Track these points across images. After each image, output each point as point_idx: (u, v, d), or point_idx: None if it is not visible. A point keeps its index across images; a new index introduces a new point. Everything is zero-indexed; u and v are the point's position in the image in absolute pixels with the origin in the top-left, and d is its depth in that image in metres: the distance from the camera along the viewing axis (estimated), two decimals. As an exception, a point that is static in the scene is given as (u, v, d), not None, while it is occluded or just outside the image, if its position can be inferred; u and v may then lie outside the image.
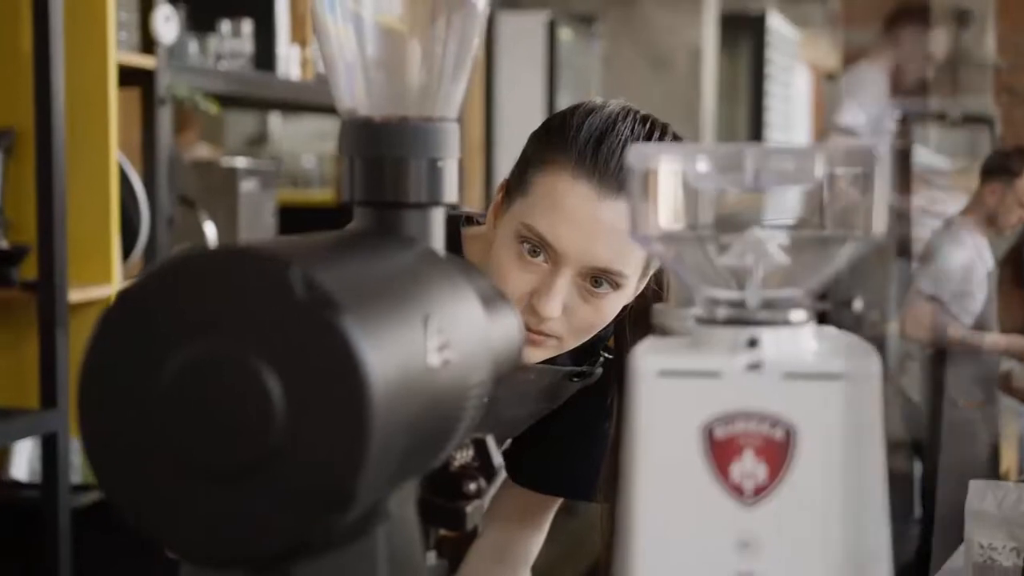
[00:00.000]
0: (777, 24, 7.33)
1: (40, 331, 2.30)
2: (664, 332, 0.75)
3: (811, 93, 9.27)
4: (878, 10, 9.82)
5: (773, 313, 0.69)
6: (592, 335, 1.28)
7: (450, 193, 0.80)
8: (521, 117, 4.80)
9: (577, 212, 1.20)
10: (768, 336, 0.68)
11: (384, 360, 0.61)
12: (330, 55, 0.80)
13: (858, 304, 4.30)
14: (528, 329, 1.23)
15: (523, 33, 4.81)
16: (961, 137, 8.43)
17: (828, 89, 9.76)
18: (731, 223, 0.72)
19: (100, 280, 2.43)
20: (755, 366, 0.66)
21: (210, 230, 2.80)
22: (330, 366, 0.59)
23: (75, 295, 2.36)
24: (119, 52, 2.48)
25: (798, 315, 0.69)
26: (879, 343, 4.24)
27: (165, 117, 2.62)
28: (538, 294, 1.22)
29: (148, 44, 2.60)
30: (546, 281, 1.22)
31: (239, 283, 0.61)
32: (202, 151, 3.85)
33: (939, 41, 4.30)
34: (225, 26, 2.93)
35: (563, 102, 5.97)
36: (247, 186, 2.92)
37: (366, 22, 0.80)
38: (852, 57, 9.76)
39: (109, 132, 2.42)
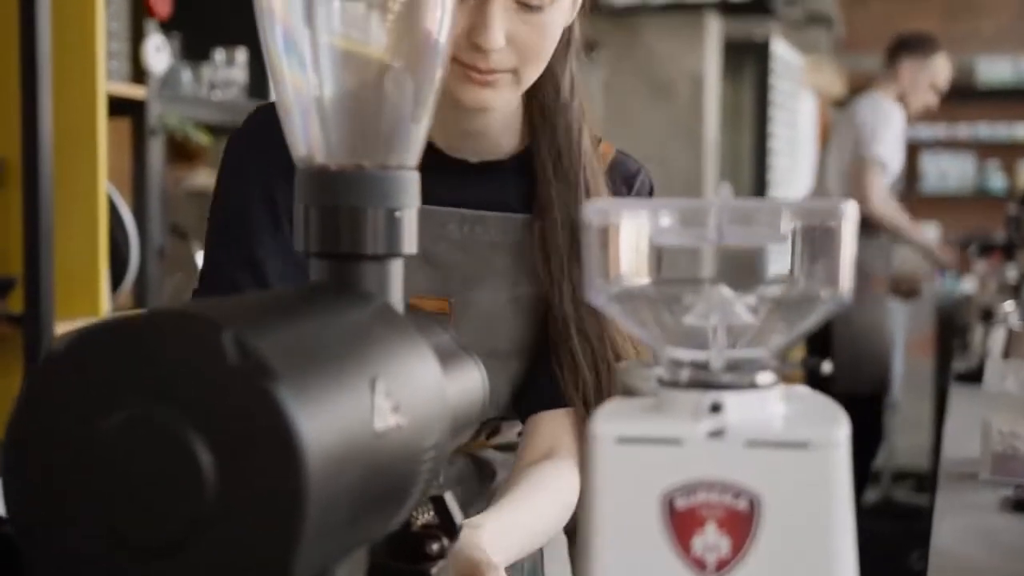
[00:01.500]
0: (781, 50, 7.32)
1: (25, 365, 2.27)
2: (628, 392, 0.72)
3: (816, 118, 9.25)
4: (882, 35, 9.81)
5: (738, 375, 0.66)
6: (545, 60, 1.23)
7: (409, 244, 0.78)
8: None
9: None
10: (732, 400, 0.64)
11: (323, 427, 0.58)
12: (285, 100, 0.78)
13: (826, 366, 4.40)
14: (478, 71, 1.19)
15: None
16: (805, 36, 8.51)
17: (833, 114, 9.75)
18: (694, 280, 0.69)
19: (88, 313, 2.41)
20: (717, 433, 0.63)
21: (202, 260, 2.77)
22: (263, 435, 0.56)
23: (62, 328, 2.33)
24: (109, 82, 2.46)
25: (764, 377, 0.66)
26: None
27: (156, 147, 2.59)
28: (475, 31, 1.18)
29: (139, 74, 2.58)
30: (478, 15, 1.18)
31: (171, 347, 0.58)
32: (203, 177, 3.83)
33: (942, 70, 4.31)
34: (219, 55, 2.91)
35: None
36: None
37: (322, 67, 0.77)
38: (857, 82, 9.76)
39: (98, 163, 2.40)
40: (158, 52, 2.56)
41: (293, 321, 0.65)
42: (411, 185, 0.78)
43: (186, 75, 2.83)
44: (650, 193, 1.38)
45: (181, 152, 3.37)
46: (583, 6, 1.29)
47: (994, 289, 4.09)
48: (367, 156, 0.77)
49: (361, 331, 0.69)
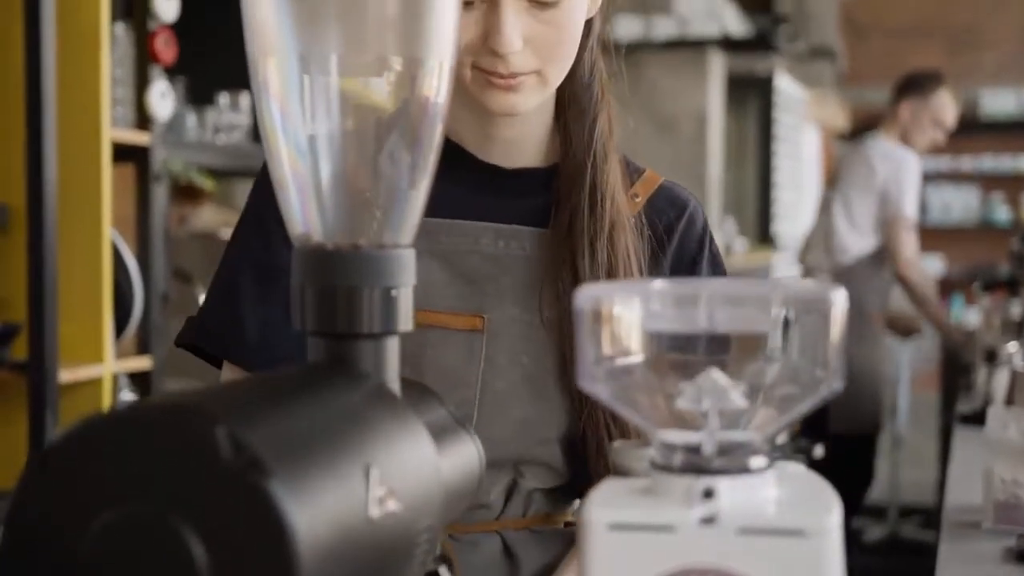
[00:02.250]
0: (785, 84, 7.34)
1: (30, 413, 2.27)
2: (621, 472, 0.72)
3: (820, 152, 9.27)
4: (885, 69, 9.85)
5: (731, 460, 0.66)
6: (570, 59, 1.17)
7: (405, 322, 0.78)
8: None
9: None
10: (725, 485, 0.65)
11: (317, 521, 0.58)
12: (282, 177, 0.78)
13: (818, 450, 4.46)
14: (500, 76, 1.14)
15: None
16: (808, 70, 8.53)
17: (838, 148, 9.77)
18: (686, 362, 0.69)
19: (92, 360, 2.41)
20: (710, 520, 0.63)
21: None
22: (257, 532, 0.57)
23: (66, 375, 2.33)
24: (114, 129, 2.47)
25: (757, 462, 0.66)
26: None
27: (160, 193, 2.61)
28: (490, 35, 1.12)
29: (144, 120, 2.59)
30: (490, 18, 1.12)
31: (164, 442, 0.58)
32: (210, 215, 3.84)
33: (944, 106, 4.33)
34: (223, 98, 2.93)
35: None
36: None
37: (319, 145, 0.78)
38: (861, 116, 9.79)
39: (102, 210, 2.41)
40: (163, 98, 2.57)
41: (287, 409, 0.65)
42: (407, 263, 0.78)
43: (190, 119, 2.85)
44: (704, 228, 1.29)
45: (186, 191, 3.39)
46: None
47: (998, 326, 4.09)
48: (363, 235, 0.78)
49: (355, 416, 0.69)
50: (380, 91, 0.77)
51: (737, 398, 0.67)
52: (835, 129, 9.43)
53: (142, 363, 2.63)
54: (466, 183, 1.25)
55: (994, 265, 9.38)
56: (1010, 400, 2.72)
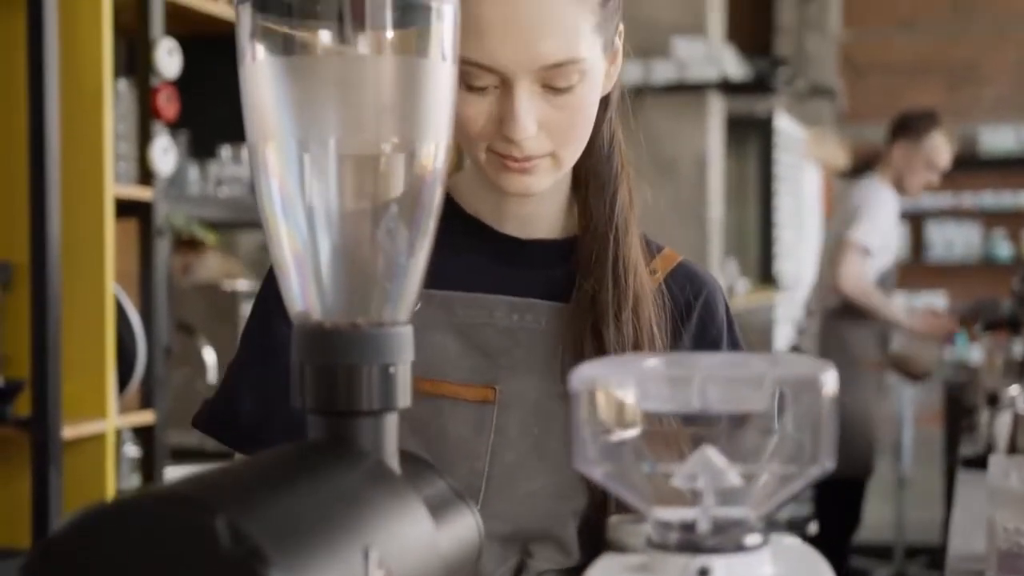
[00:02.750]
0: (784, 124, 7.37)
1: (33, 469, 2.28)
2: (617, 547, 0.73)
3: (821, 190, 9.30)
4: (884, 107, 9.90)
5: (726, 538, 0.67)
6: (584, 140, 1.16)
7: (403, 398, 0.79)
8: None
9: (496, 20, 1.08)
10: (720, 564, 0.65)
11: (316, 608, 0.59)
12: (281, 257, 0.79)
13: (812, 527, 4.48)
14: (514, 159, 1.13)
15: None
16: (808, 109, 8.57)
17: (838, 186, 9.81)
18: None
19: (95, 415, 2.42)
20: (705, 600, 0.64)
21: (210, 357, 2.79)
22: (257, 620, 0.57)
23: (69, 431, 2.34)
24: (117, 185, 2.49)
25: (753, 539, 0.67)
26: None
27: (162, 248, 2.62)
28: (504, 121, 1.11)
29: (146, 175, 2.61)
30: (504, 104, 1.11)
31: (164, 532, 0.59)
32: (214, 263, 3.86)
33: (937, 148, 4.35)
34: (225, 152, 2.95)
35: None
36: (248, 310, 2.91)
37: (318, 226, 0.79)
38: (861, 154, 9.83)
39: (105, 266, 2.42)
40: (165, 154, 2.60)
41: (286, 493, 0.66)
42: (405, 341, 0.79)
43: (193, 172, 2.87)
44: (725, 311, 1.28)
45: (190, 241, 3.41)
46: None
47: (1000, 366, 4.09)
48: (362, 313, 0.79)
49: (354, 497, 0.70)
50: (378, 172, 0.78)
51: (732, 476, 0.68)
52: (835, 167, 9.47)
53: (145, 417, 2.64)
54: (483, 254, 1.25)
55: (997, 302, 9.40)
56: (1013, 444, 2.73)
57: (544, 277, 1.25)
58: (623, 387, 0.68)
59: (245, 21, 0.76)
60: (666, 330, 1.22)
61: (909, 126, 4.40)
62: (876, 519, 6.38)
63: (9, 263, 2.38)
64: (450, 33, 0.78)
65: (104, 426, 2.45)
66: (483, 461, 1.18)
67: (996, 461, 1.91)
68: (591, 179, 1.24)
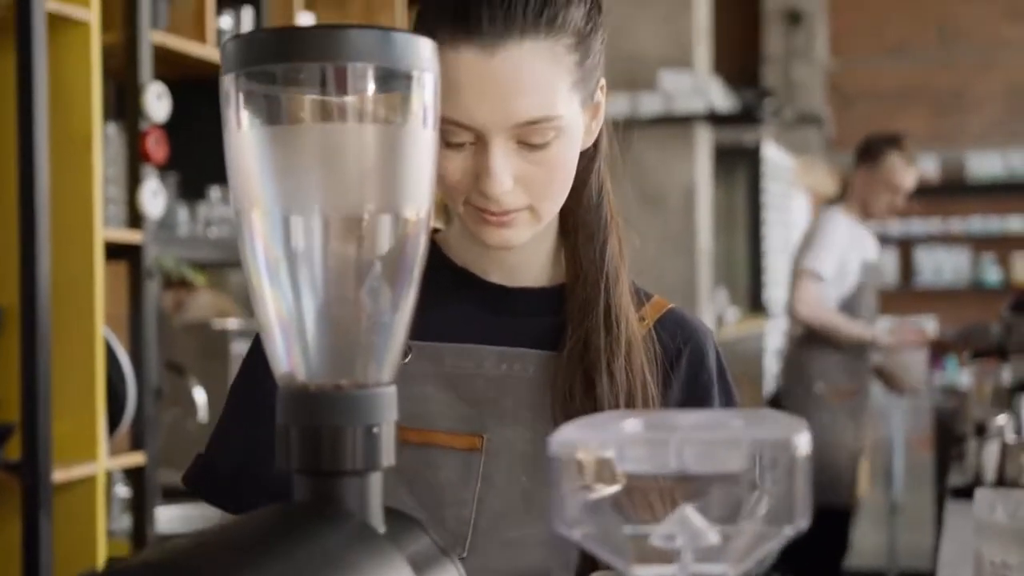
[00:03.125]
0: (772, 153, 7.41)
1: (23, 513, 2.28)
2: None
3: (810, 217, 9.34)
4: (874, 132, 9.93)
5: (704, 597, 0.68)
6: (563, 193, 1.17)
7: (387, 457, 0.80)
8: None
9: (472, 79, 1.10)
10: (699, 622, 0.67)
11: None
12: (266, 320, 0.81)
13: None
14: (492, 213, 1.15)
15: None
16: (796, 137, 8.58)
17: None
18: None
19: (85, 458, 2.43)
20: (684, 659, 0.65)
21: (200, 396, 2.80)
22: None
23: (59, 475, 2.35)
24: (107, 228, 2.51)
25: (731, 598, 0.68)
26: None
27: (152, 290, 2.63)
28: (480, 177, 1.13)
29: (136, 218, 2.62)
30: (480, 160, 1.12)
31: (152, 603, 0.60)
32: (207, 299, 3.86)
33: (894, 169, 4.32)
34: (214, 192, 2.97)
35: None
36: (239, 348, 2.93)
37: (302, 290, 0.80)
38: (848, 180, 9.86)
39: (95, 308, 2.43)
40: (154, 197, 2.61)
41: (270, 558, 0.67)
42: (389, 401, 0.80)
43: (182, 213, 2.88)
44: (715, 358, 1.28)
45: (181, 279, 3.42)
46: (607, 122, 1.24)
47: (989, 393, 4.10)
48: (346, 374, 0.80)
49: (339, 559, 0.71)
50: (361, 236, 0.80)
51: (711, 535, 0.69)
52: (824, 194, 9.51)
53: (136, 459, 2.65)
54: (471, 304, 1.26)
55: (986, 327, 9.43)
56: (1001, 474, 2.73)
57: (532, 325, 1.25)
58: (603, 450, 0.69)
59: (230, 90, 0.78)
60: (657, 378, 1.23)
61: (868, 150, 4.41)
62: (868, 545, 6.39)
63: (0, 307, 2.39)
64: (431, 101, 0.80)
65: (95, 468, 2.45)
66: (470, 508, 1.19)
67: (982, 495, 1.92)
68: (580, 229, 1.24)
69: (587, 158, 1.22)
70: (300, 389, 0.79)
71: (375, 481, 0.79)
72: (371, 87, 0.77)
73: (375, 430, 0.79)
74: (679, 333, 1.28)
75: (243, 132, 0.78)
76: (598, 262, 1.24)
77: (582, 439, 0.70)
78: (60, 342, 2.39)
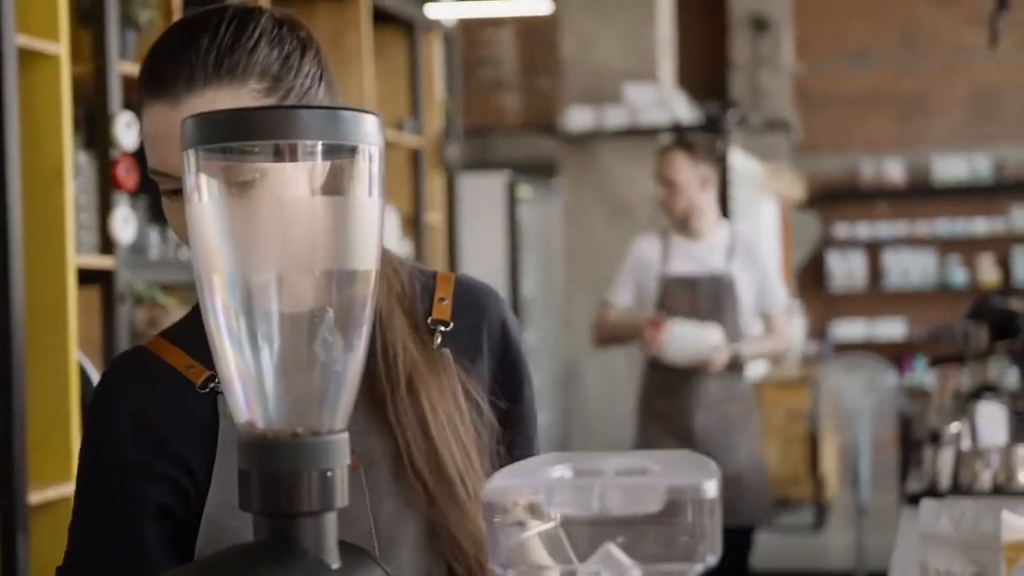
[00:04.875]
0: (740, 161, 7.50)
1: (1, 535, 2.33)
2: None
3: (779, 223, 9.44)
4: (840, 138, 10.05)
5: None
6: None
7: (341, 498, 0.87)
8: (485, 275, 4.90)
9: (161, 130, 1.16)
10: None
11: None
12: (227, 374, 0.88)
13: None
14: None
15: (485, 192, 4.94)
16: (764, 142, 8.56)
17: (796, 218, 9.95)
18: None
19: (60, 479, 2.48)
20: None
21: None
22: None
23: (35, 496, 2.40)
24: (79, 254, 2.56)
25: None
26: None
27: (124, 314, 2.69)
28: None
29: (107, 244, 2.68)
30: None
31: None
32: (178, 316, 3.91)
33: (680, 167, 4.02)
34: (185, 215, 3.03)
35: (526, 256, 6.10)
36: (210, 366, 2.98)
37: (260, 346, 0.87)
38: (816, 185, 9.97)
39: (69, 333, 2.49)
40: (125, 223, 2.67)
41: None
42: (342, 447, 0.87)
43: (153, 236, 2.94)
44: (515, 325, 1.33)
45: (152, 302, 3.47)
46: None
47: (949, 398, 4.16)
48: (301, 422, 0.87)
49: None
50: (314, 296, 0.87)
51: (633, 571, 0.76)
52: (792, 199, 9.61)
53: (111, 478, 2.70)
54: None
55: (953, 328, 9.57)
56: (955, 481, 2.81)
57: None
58: (532, 495, 0.76)
59: (190, 164, 0.85)
60: (466, 380, 1.27)
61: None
62: (837, 546, 6.49)
63: (-26, 333, 2.44)
64: (377, 171, 0.86)
65: (70, 490, 2.50)
66: (368, 521, 1.23)
67: (928, 505, 1.99)
68: None
69: None
70: (259, 436, 0.86)
71: (330, 520, 0.86)
72: (320, 161, 0.85)
73: (329, 474, 0.86)
74: (476, 300, 1.32)
75: (203, 203, 0.85)
76: None
77: (513, 486, 0.77)
78: (34, 366, 2.45)
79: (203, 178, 0.86)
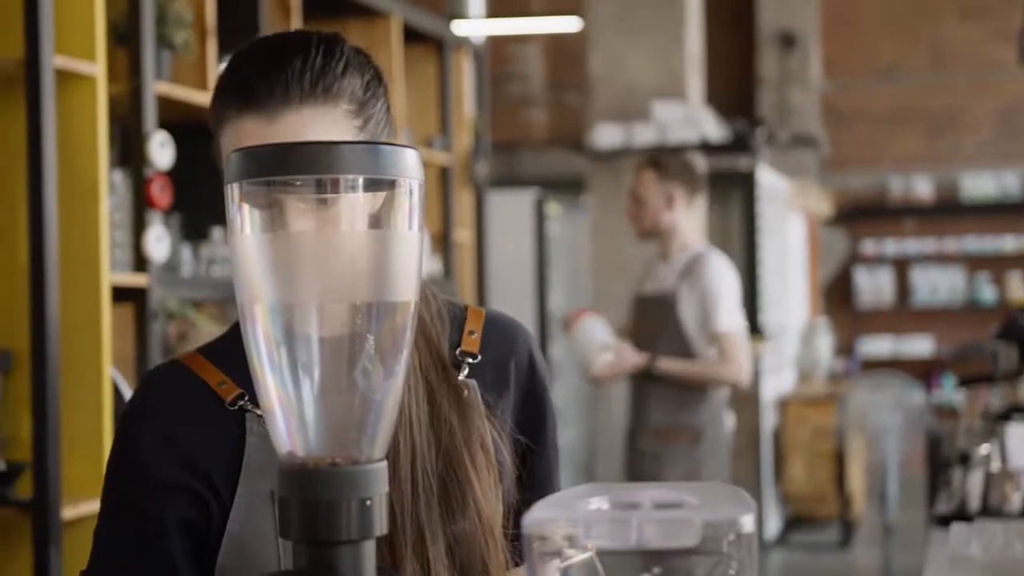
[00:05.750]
0: (767, 178, 7.49)
1: (34, 550, 2.36)
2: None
3: (806, 239, 9.42)
4: (868, 154, 10.03)
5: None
6: None
7: (380, 527, 0.88)
8: (513, 291, 4.93)
9: (255, 144, 1.15)
10: None
11: None
12: (269, 404, 0.89)
13: None
14: None
15: (513, 209, 4.95)
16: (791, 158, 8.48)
17: (824, 235, 9.93)
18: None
19: (93, 495, 2.50)
20: None
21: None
22: None
23: (69, 512, 2.43)
24: (113, 273, 2.59)
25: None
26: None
27: (157, 331, 2.72)
28: None
29: (141, 262, 2.71)
30: None
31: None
32: (209, 331, 3.93)
33: (645, 182, 4.01)
34: (217, 233, 3.06)
35: (554, 272, 6.12)
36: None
37: (301, 378, 0.88)
38: (844, 201, 9.94)
39: (103, 350, 2.52)
40: (159, 242, 2.70)
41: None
42: (380, 475, 0.89)
43: (186, 254, 2.97)
44: (541, 361, 1.35)
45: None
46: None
47: (978, 418, 4.14)
48: (341, 452, 0.89)
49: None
50: (354, 328, 0.88)
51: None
52: (819, 215, 9.60)
53: (142, 494, 2.73)
54: None
55: (981, 346, 9.53)
56: (985, 503, 2.80)
57: None
58: (570, 527, 0.77)
59: (234, 197, 0.87)
60: (496, 404, 1.28)
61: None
62: (863, 564, 6.47)
63: (10, 351, 2.47)
64: (417, 204, 0.88)
65: (102, 505, 2.53)
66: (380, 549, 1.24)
67: (958, 529, 1.99)
68: None
69: None
70: (299, 466, 0.88)
71: (369, 548, 0.88)
72: (361, 194, 0.86)
73: (368, 502, 0.87)
74: (506, 334, 1.34)
75: (246, 235, 0.87)
76: None
77: (552, 518, 0.78)
78: (69, 383, 2.48)
79: (246, 209, 0.88)
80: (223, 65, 3.16)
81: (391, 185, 0.87)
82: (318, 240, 0.88)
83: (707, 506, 0.79)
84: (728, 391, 4.14)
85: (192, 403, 1.26)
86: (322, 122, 1.18)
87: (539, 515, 0.78)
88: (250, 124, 1.18)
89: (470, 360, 1.30)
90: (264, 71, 1.18)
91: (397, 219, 0.87)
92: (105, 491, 1.27)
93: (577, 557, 0.79)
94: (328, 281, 0.87)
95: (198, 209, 3.01)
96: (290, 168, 0.85)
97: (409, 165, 0.87)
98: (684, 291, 3.92)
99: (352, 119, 1.21)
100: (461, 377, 1.28)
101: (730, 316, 3.93)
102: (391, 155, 0.87)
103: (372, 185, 0.86)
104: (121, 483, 1.26)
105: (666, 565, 0.78)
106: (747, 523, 0.76)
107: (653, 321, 3.98)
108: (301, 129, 1.18)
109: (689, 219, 4.06)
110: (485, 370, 1.31)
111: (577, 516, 0.78)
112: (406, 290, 0.88)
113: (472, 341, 1.31)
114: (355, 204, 0.85)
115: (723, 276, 3.95)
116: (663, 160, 4.07)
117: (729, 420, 4.17)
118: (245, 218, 0.87)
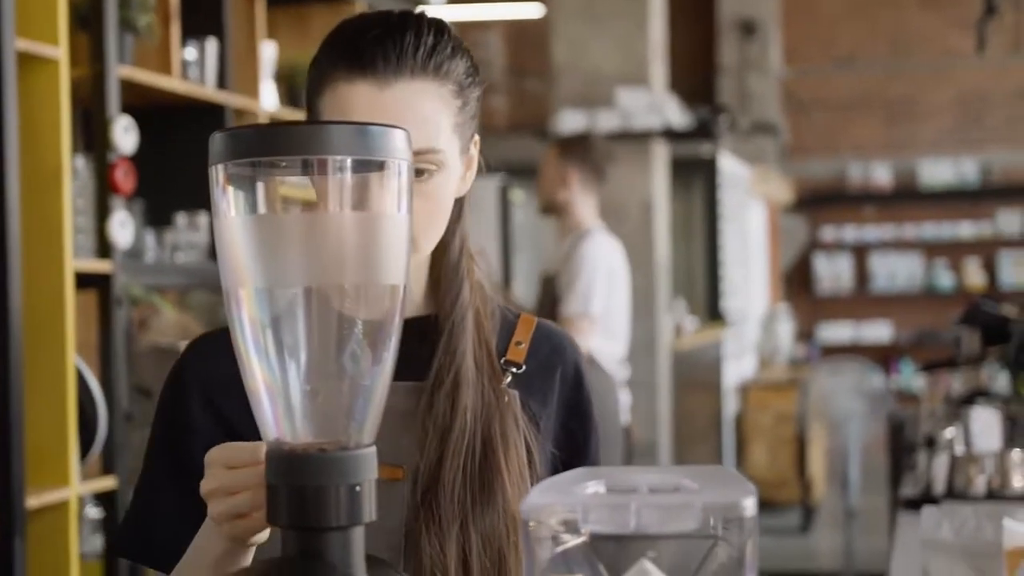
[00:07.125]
0: (728, 165, 7.51)
1: (-2, 541, 2.33)
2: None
3: (767, 226, 9.47)
4: (828, 142, 10.08)
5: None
6: (441, 228, 1.24)
7: (369, 512, 0.87)
8: (477, 277, 4.91)
9: (365, 109, 1.18)
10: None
11: None
12: (255, 389, 0.88)
13: None
14: None
15: (477, 196, 4.90)
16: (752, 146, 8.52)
17: (784, 221, 9.97)
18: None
19: (58, 484, 2.48)
20: None
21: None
22: None
23: (33, 500, 2.39)
24: (77, 259, 2.55)
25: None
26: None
27: (121, 318, 2.69)
28: None
29: (104, 248, 2.67)
30: None
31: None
32: (170, 316, 3.89)
33: (547, 160, 4.09)
34: (181, 219, 3.02)
35: (518, 260, 6.11)
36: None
37: (287, 362, 0.87)
38: (804, 188, 9.99)
39: (66, 337, 2.48)
40: (122, 227, 2.66)
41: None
42: (369, 461, 0.87)
43: (150, 240, 2.94)
44: (576, 367, 1.35)
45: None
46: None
47: (940, 402, 4.17)
48: (329, 437, 0.87)
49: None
50: (341, 311, 0.87)
51: (664, 586, 0.76)
52: (780, 202, 9.63)
53: (107, 483, 2.70)
54: None
55: (939, 331, 9.62)
56: (950, 486, 2.82)
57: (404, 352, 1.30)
58: (568, 513, 0.76)
59: (218, 179, 0.85)
60: (525, 419, 1.28)
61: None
62: (825, 548, 6.50)
63: (-28, 338, 2.43)
64: (405, 186, 0.86)
65: (67, 493, 2.50)
66: (399, 535, 1.22)
67: (929, 513, 2.00)
68: (442, 278, 1.29)
69: (454, 212, 1.27)
70: (287, 452, 0.86)
71: (357, 535, 0.86)
72: (349, 176, 0.84)
73: (357, 488, 0.86)
74: (553, 346, 1.34)
75: (231, 218, 0.85)
76: (448, 310, 1.28)
77: (550, 503, 0.77)
78: (32, 370, 2.44)
79: (230, 191, 0.86)
80: (188, 49, 3.11)
81: (380, 167, 0.85)
82: (304, 222, 0.87)
83: (706, 489, 0.78)
84: (625, 373, 4.11)
85: (229, 367, 1.23)
86: (430, 96, 1.20)
87: (536, 500, 0.77)
88: (361, 88, 1.18)
89: (514, 370, 1.30)
90: (379, 40, 1.19)
91: (386, 200, 0.86)
92: (149, 444, 1.29)
93: (573, 541, 0.78)
94: (315, 263, 0.85)
95: (162, 195, 2.97)
96: (277, 148, 0.84)
97: (398, 146, 0.86)
98: (562, 271, 3.93)
99: (454, 99, 1.22)
100: (503, 385, 1.28)
101: (578, 300, 3.87)
102: (379, 136, 0.85)
103: (360, 166, 0.84)
104: (161, 434, 1.28)
105: (664, 548, 0.77)
106: (748, 506, 0.75)
107: (543, 301, 3.99)
108: (411, 98, 1.19)
109: (585, 201, 4.05)
110: (531, 379, 1.30)
111: (575, 501, 0.77)
112: (395, 273, 0.87)
113: (519, 351, 1.31)
114: (343, 184, 0.84)
115: (590, 258, 3.91)
116: (568, 141, 4.13)
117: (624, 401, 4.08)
118: (230, 200, 0.85)
